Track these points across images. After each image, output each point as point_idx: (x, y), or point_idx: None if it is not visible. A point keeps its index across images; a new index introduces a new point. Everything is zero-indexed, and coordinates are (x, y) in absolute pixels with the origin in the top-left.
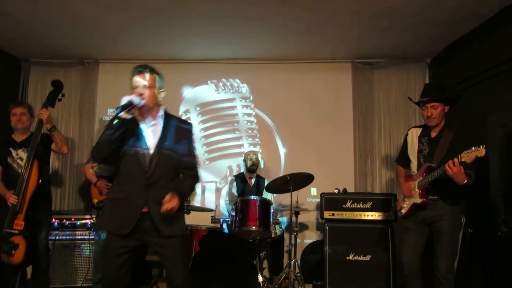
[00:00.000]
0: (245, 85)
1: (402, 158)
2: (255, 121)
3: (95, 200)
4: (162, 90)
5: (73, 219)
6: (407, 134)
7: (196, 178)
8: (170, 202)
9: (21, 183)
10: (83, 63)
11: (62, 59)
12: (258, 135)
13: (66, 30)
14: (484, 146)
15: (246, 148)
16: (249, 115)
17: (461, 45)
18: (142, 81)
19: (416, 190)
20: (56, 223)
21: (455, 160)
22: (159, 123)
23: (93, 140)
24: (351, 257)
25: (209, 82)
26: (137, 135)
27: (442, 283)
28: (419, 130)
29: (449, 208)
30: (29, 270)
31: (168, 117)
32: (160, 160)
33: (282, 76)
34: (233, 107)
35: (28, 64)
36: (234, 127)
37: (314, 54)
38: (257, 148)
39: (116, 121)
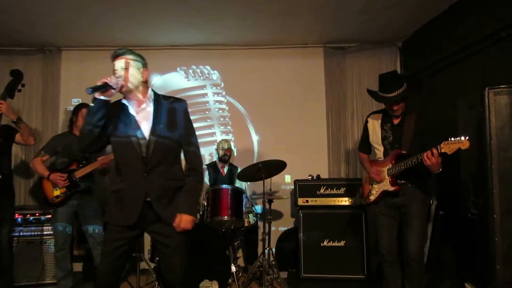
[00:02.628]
0: (216, 72)
1: (364, 145)
2: (227, 108)
3: (51, 197)
4: (144, 69)
5: (37, 214)
6: (367, 121)
7: (201, 178)
8: (182, 225)
9: None
10: (44, 51)
11: (22, 47)
12: (230, 122)
13: (23, 15)
14: (467, 137)
15: (218, 136)
16: (220, 102)
17: (432, 28)
18: (119, 63)
19: (386, 177)
20: (19, 219)
21: (434, 151)
22: (149, 105)
23: (58, 131)
24: (325, 243)
25: (178, 69)
26: (127, 120)
27: (413, 266)
28: (379, 116)
29: (417, 191)
30: None
31: (158, 98)
32: (157, 144)
33: (253, 62)
34: (204, 95)
35: None
36: (205, 115)
37: (286, 39)
38: (230, 136)
39: (92, 104)
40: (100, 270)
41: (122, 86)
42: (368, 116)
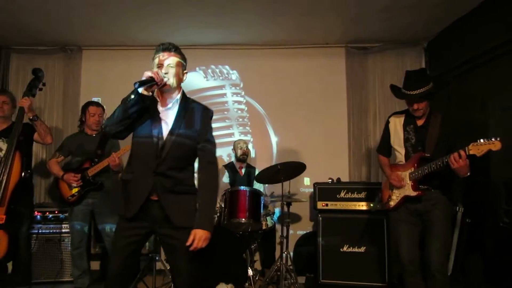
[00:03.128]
0: (235, 71)
1: (384, 147)
2: (246, 109)
3: (67, 196)
4: (185, 72)
5: (56, 211)
6: (388, 122)
7: (218, 172)
8: (196, 243)
9: (2, 176)
10: (66, 50)
11: (43, 46)
12: (249, 123)
13: (46, 16)
14: (499, 139)
15: (237, 137)
16: (239, 102)
17: (459, 27)
18: (168, 60)
19: (408, 181)
20: (38, 217)
21: (462, 153)
22: (175, 107)
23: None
24: (345, 248)
25: (197, 68)
26: (152, 116)
27: (436, 277)
28: (402, 117)
29: (441, 197)
30: (9, 265)
31: (186, 101)
32: (173, 147)
33: (273, 62)
34: (223, 95)
35: (9, 52)
36: (224, 115)
37: (307, 38)
38: (248, 137)
39: (132, 96)
40: (111, 270)
41: (164, 84)
42: (389, 117)
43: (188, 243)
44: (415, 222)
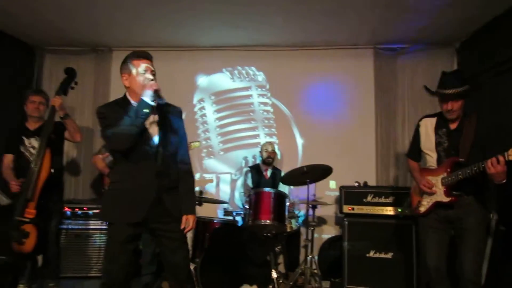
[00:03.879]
0: (261, 73)
1: (415, 151)
2: (272, 110)
3: None
4: None
5: (85, 208)
6: (419, 125)
7: (193, 183)
8: (191, 225)
9: (32, 172)
10: (97, 51)
11: (75, 47)
12: (274, 125)
13: (79, 18)
14: None
15: (262, 139)
16: (265, 104)
17: (493, 28)
18: (150, 67)
19: (440, 187)
20: (68, 212)
21: (501, 158)
22: (155, 113)
23: None
24: (371, 254)
25: (224, 70)
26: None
27: (469, 287)
28: (434, 120)
29: (474, 204)
30: (40, 258)
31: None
32: (165, 150)
33: (300, 63)
34: (249, 96)
35: (42, 52)
36: (250, 116)
37: (334, 40)
38: (274, 139)
39: (147, 110)
40: (117, 279)
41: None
42: (420, 120)
43: (182, 227)
44: (445, 229)
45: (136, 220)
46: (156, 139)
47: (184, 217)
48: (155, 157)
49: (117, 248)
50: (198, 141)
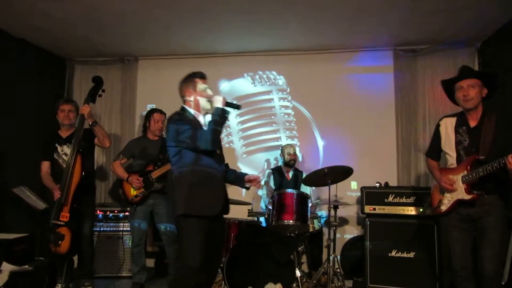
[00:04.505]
0: (282, 77)
1: (435, 151)
2: (293, 113)
3: (131, 196)
4: None
5: (116, 211)
6: (439, 125)
7: None
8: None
9: (65, 177)
10: (123, 61)
11: (103, 57)
12: (295, 127)
13: (107, 29)
14: None
15: (284, 141)
16: (286, 107)
17: None
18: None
19: (461, 185)
20: (100, 215)
21: None
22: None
23: (134, 135)
24: (393, 253)
25: (245, 75)
26: None
27: (488, 284)
28: (454, 119)
29: (495, 203)
30: (76, 259)
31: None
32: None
33: (319, 66)
34: (270, 100)
35: (72, 63)
36: (271, 120)
37: (354, 42)
38: (295, 141)
39: (227, 115)
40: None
41: None
42: (440, 120)
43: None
44: (467, 228)
45: (217, 213)
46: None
47: (246, 178)
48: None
49: (203, 240)
50: None
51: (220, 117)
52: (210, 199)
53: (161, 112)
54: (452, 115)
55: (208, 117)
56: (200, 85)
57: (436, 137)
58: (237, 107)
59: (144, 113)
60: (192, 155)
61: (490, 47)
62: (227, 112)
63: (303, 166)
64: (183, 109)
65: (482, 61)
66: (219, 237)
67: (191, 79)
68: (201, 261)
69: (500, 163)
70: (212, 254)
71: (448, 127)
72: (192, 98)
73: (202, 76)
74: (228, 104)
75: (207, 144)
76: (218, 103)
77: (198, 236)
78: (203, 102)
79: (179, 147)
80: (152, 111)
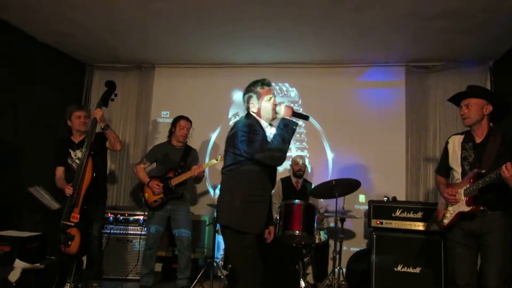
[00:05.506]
0: (294, 89)
1: (443, 168)
2: (304, 125)
3: (151, 201)
4: None
5: (126, 214)
6: (447, 142)
7: None
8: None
9: (77, 179)
10: (141, 68)
11: (122, 64)
12: (306, 139)
13: (126, 37)
14: None
15: (294, 152)
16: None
17: None
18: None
19: (462, 198)
20: (111, 218)
21: None
22: None
23: (147, 141)
24: (399, 268)
25: None
26: None
27: None
28: (461, 137)
29: (499, 220)
30: (85, 260)
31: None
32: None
33: (332, 80)
34: None
35: (92, 68)
36: None
37: (366, 57)
38: (305, 152)
39: (295, 127)
40: (257, 276)
41: None
42: (449, 138)
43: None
44: (471, 245)
45: (260, 231)
46: None
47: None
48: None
49: (256, 256)
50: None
51: (287, 131)
52: None
53: (187, 119)
54: (461, 133)
55: (273, 129)
56: (265, 94)
57: (445, 154)
58: (306, 117)
59: (159, 119)
60: None
61: (502, 66)
62: (295, 124)
63: (312, 178)
64: (254, 119)
65: (495, 80)
66: None
67: (253, 86)
68: None
69: (496, 174)
70: None
71: (455, 144)
72: (255, 110)
73: (265, 83)
74: (295, 114)
75: (275, 157)
76: (285, 113)
77: None
78: (266, 111)
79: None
80: (179, 117)
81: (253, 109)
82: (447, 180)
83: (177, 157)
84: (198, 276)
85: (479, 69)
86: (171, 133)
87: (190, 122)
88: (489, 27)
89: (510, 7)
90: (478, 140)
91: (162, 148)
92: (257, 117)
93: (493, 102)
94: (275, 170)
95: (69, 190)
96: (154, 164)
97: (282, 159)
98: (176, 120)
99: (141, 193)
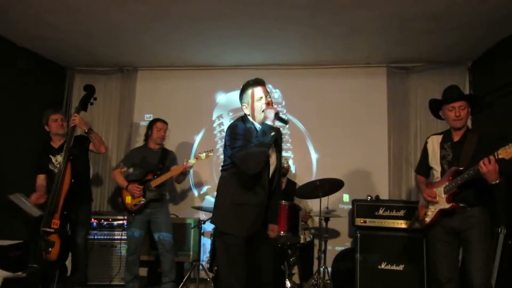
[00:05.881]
0: (277, 90)
1: (422, 167)
2: (287, 126)
3: (130, 205)
4: None
5: (110, 219)
6: (426, 142)
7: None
8: (275, 233)
9: (56, 185)
10: (123, 71)
11: (103, 67)
12: (290, 140)
13: (107, 40)
14: None
15: None
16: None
17: (505, 48)
18: (265, 92)
19: (442, 195)
20: (94, 223)
21: (491, 157)
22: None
23: (130, 144)
24: (383, 266)
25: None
26: None
27: None
28: (440, 137)
29: (478, 216)
30: (69, 266)
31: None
32: (277, 169)
33: (315, 81)
34: None
35: (72, 72)
36: None
37: (348, 58)
38: (289, 153)
39: (273, 133)
40: (239, 277)
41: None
42: (427, 138)
43: (270, 232)
44: (452, 242)
45: (249, 234)
46: (272, 160)
47: (272, 226)
48: (270, 177)
49: (237, 257)
50: (205, 152)
51: (263, 137)
52: None
53: (163, 121)
54: (439, 133)
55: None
56: (251, 96)
57: (424, 154)
58: (285, 122)
59: (142, 122)
60: None
61: (480, 66)
62: (273, 131)
63: (296, 178)
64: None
65: (473, 80)
66: None
67: (244, 87)
68: None
69: (474, 170)
70: None
71: (434, 143)
72: (248, 112)
73: (255, 82)
74: (278, 117)
75: (246, 165)
76: (269, 116)
77: None
78: (258, 112)
79: None
80: (155, 120)
81: (246, 110)
82: (426, 179)
83: (155, 159)
84: (184, 279)
85: (458, 69)
86: (147, 136)
87: (167, 123)
88: (468, 29)
89: (488, 9)
90: (456, 138)
91: (139, 152)
92: (251, 119)
93: (472, 105)
94: (268, 173)
95: (33, 197)
96: (131, 169)
97: (257, 166)
98: (152, 122)
99: (120, 198)
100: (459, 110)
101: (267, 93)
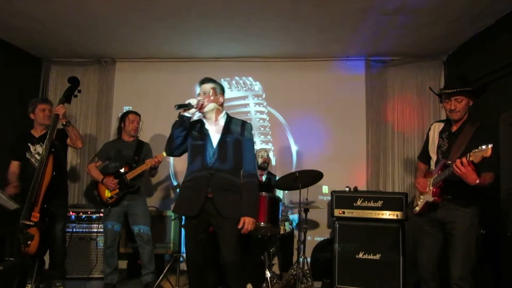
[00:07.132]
0: (258, 83)
1: (424, 154)
2: (268, 118)
3: (106, 198)
4: (221, 95)
5: (89, 212)
6: (429, 129)
7: (257, 185)
8: (246, 227)
9: (37, 177)
10: (101, 62)
11: (81, 58)
12: (270, 132)
13: (84, 30)
14: (491, 146)
15: (258, 145)
16: (261, 112)
17: (478, 42)
18: (202, 88)
19: (431, 187)
20: (73, 216)
21: (464, 159)
22: (221, 123)
23: (109, 137)
24: (360, 255)
25: (222, 80)
26: (202, 132)
27: None
28: (441, 125)
29: (463, 210)
30: (47, 260)
31: (229, 119)
32: (221, 153)
33: (295, 74)
34: (246, 105)
35: (49, 63)
36: None
37: (328, 51)
38: (269, 146)
39: (177, 118)
40: (188, 252)
41: (201, 107)
42: (431, 124)
43: (239, 226)
44: (436, 233)
45: (191, 215)
46: (212, 143)
47: (242, 219)
48: (210, 160)
49: (190, 235)
50: None
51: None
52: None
53: (136, 113)
54: (442, 121)
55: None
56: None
57: (426, 141)
58: (186, 106)
59: (120, 114)
60: None
61: (454, 60)
62: (179, 115)
63: (276, 170)
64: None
65: (448, 74)
66: None
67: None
68: None
69: (449, 170)
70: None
71: (435, 131)
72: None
73: (200, 81)
74: (180, 105)
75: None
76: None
77: None
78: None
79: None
80: (127, 112)
81: None
82: (427, 167)
83: (130, 152)
84: (164, 271)
85: (434, 63)
86: (120, 129)
87: (139, 115)
88: (443, 23)
89: (462, 5)
90: (454, 129)
91: (113, 145)
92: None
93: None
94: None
95: (9, 190)
96: (107, 162)
97: (168, 146)
98: (124, 115)
99: (96, 191)
100: (454, 103)
101: (206, 91)
